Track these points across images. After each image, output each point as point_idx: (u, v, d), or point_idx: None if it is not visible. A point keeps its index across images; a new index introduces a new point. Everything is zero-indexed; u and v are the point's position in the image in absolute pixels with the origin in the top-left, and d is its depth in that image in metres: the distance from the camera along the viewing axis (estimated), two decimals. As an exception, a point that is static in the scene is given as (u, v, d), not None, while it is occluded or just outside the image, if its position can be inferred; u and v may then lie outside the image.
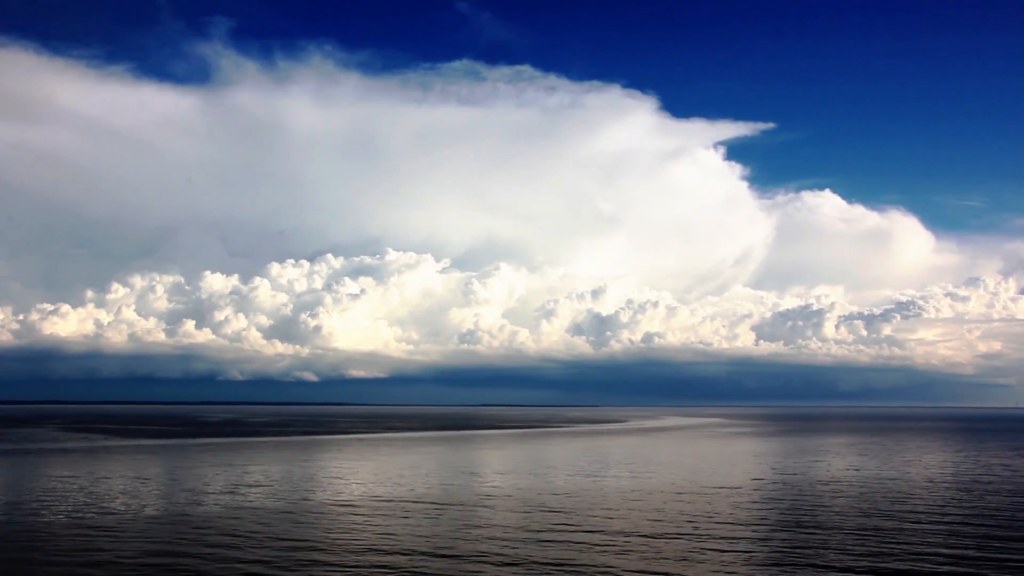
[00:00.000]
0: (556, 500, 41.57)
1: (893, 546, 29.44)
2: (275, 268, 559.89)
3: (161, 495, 43.34)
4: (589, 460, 70.36)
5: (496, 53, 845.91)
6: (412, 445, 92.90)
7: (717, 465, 64.79)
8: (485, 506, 39.56)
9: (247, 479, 51.41)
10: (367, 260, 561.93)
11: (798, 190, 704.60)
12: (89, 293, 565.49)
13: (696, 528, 33.06)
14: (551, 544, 29.58)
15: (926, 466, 63.93)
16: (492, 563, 26.57)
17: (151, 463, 64.40)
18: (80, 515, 36.16)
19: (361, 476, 54.38)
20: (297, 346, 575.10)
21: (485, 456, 76.81)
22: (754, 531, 32.48)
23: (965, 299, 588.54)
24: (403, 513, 37.24)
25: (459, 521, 34.93)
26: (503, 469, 60.77)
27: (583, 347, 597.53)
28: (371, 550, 28.58)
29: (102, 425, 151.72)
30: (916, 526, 33.80)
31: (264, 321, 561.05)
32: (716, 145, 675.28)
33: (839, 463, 66.66)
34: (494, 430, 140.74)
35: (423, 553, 28.05)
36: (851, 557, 27.57)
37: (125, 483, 48.94)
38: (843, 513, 37.35)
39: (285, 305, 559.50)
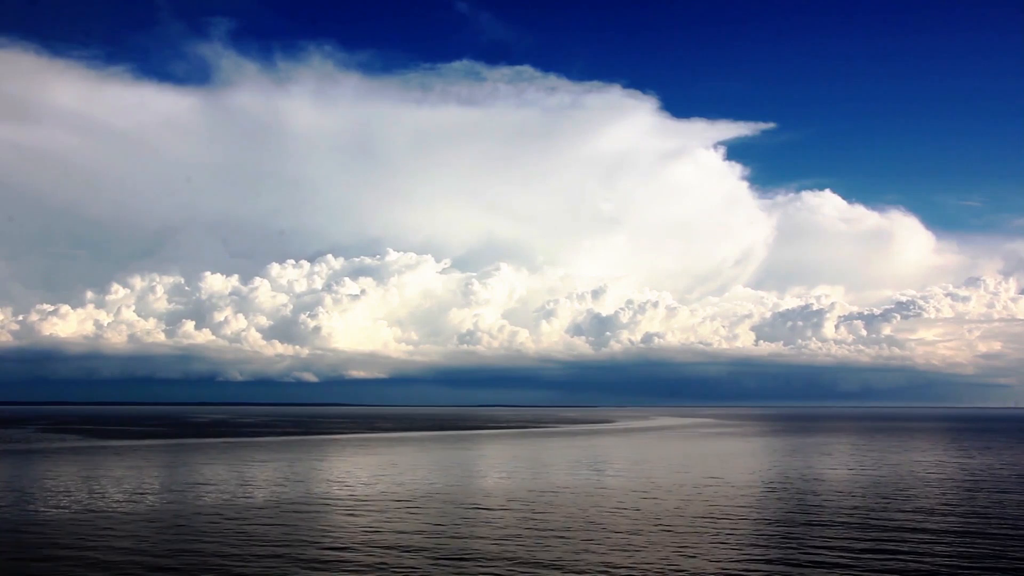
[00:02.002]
0: (479, 498, 42.01)
1: (784, 541, 29.82)
2: (275, 269, 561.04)
3: (94, 493, 43.73)
4: (546, 460, 70.81)
5: (496, 53, 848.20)
6: (384, 445, 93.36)
7: (672, 465, 65.08)
8: (408, 504, 39.98)
9: (188, 478, 51.89)
10: (367, 261, 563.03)
11: (798, 190, 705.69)
12: (89, 294, 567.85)
13: (603, 527, 33.41)
14: (453, 538, 30.01)
15: (877, 466, 64.16)
16: (391, 557, 26.99)
17: (106, 463, 64.88)
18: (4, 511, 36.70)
19: (302, 475, 54.79)
20: (297, 347, 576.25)
21: (447, 456, 77.09)
22: (655, 527, 32.82)
23: (965, 299, 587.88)
24: (317, 510, 37.67)
25: (369, 518, 35.34)
26: (450, 469, 61.18)
27: (583, 347, 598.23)
28: (270, 544, 29.02)
29: (86, 426, 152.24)
30: (830, 521, 34.16)
31: (264, 322, 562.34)
32: (716, 145, 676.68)
33: (795, 463, 66.94)
34: (477, 431, 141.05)
35: (318, 547, 28.48)
36: (732, 551, 27.94)
37: (67, 482, 49.44)
38: (758, 510, 37.72)
39: (285, 306, 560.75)
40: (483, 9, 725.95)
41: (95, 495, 42.95)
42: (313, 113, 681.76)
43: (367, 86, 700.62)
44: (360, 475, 54.69)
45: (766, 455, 76.51)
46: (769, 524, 33.84)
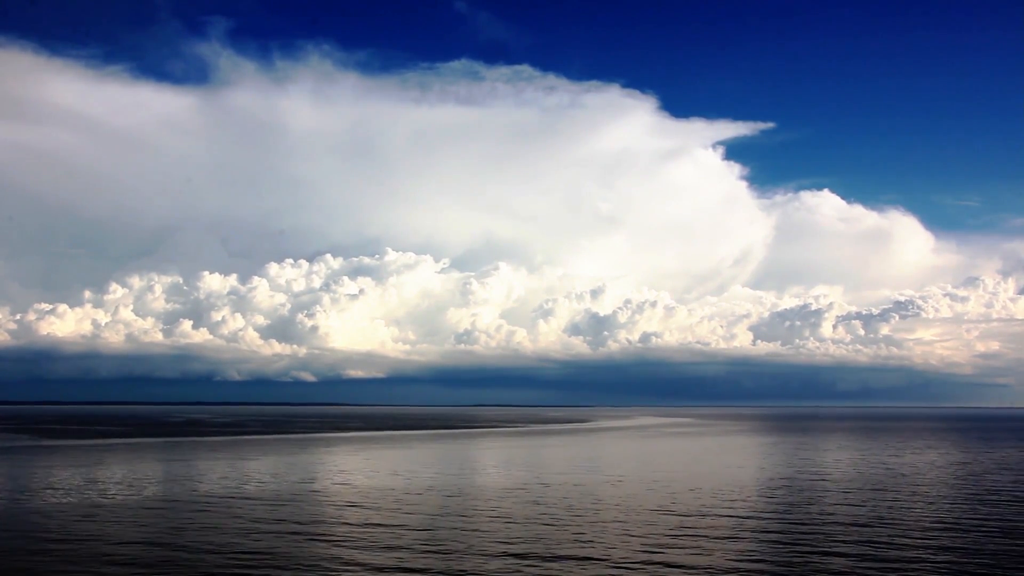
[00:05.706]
0: (369, 497, 42.03)
1: (671, 540, 29.73)
2: (273, 268, 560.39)
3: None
4: (482, 460, 70.80)
5: (495, 53, 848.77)
6: (324, 445, 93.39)
7: (599, 465, 65.03)
8: (311, 501, 39.94)
9: (104, 477, 51.95)
10: (366, 260, 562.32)
11: (797, 190, 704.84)
12: (87, 293, 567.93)
13: (471, 524, 33.34)
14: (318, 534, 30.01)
15: (809, 466, 63.90)
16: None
17: (39, 462, 64.93)
18: None
19: (219, 475, 54.79)
20: (294, 346, 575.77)
21: (380, 456, 77.01)
22: (510, 526, 32.75)
23: (964, 299, 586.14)
24: (230, 507, 37.64)
25: (263, 513, 35.31)
26: (377, 470, 61.17)
27: (580, 347, 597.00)
28: (159, 544, 28.96)
29: (50, 426, 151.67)
30: (728, 521, 34.08)
31: (261, 321, 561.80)
32: (715, 145, 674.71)
33: (725, 459, 66.80)
34: (446, 430, 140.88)
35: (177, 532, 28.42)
36: (610, 549, 27.82)
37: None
38: (644, 509, 37.62)
39: (283, 305, 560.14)
40: (481, 8, 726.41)
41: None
42: (311, 112, 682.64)
43: (365, 85, 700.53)
44: (271, 471, 54.67)
45: (715, 453, 76.37)
46: (644, 519, 33.70)
